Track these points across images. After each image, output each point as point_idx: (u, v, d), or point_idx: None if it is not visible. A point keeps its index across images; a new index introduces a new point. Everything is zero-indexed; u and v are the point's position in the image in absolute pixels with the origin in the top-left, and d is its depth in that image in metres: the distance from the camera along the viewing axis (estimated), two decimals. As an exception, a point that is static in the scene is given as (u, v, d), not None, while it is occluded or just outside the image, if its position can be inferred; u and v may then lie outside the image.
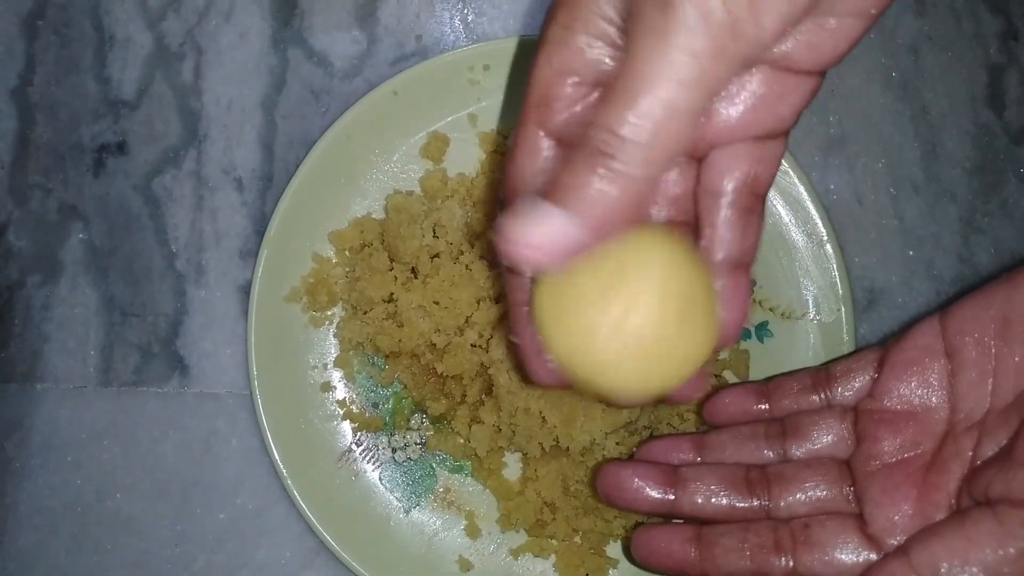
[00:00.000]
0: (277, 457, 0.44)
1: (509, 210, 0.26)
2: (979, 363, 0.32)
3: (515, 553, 0.45)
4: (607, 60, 0.27)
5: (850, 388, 0.37)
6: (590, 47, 0.27)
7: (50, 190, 0.48)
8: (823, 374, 0.38)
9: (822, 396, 0.38)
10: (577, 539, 0.44)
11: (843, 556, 0.32)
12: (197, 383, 0.47)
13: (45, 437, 0.47)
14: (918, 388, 0.34)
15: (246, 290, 0.47)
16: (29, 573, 0.46)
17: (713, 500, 0.36)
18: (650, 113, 0.23)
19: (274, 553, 0.46)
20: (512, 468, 0.46)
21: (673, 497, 0.36)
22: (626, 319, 0.27)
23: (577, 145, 0.25)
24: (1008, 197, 0.49)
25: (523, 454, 0.44)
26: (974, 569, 0.28)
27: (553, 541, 0.45)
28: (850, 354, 0.39)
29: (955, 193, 0.49)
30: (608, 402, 0.33)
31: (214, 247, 0.48)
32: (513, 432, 0.42)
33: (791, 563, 0.33)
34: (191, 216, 0.48)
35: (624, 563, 0.45)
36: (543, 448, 0.42)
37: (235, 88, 0.48)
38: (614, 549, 0.45)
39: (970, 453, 0.32)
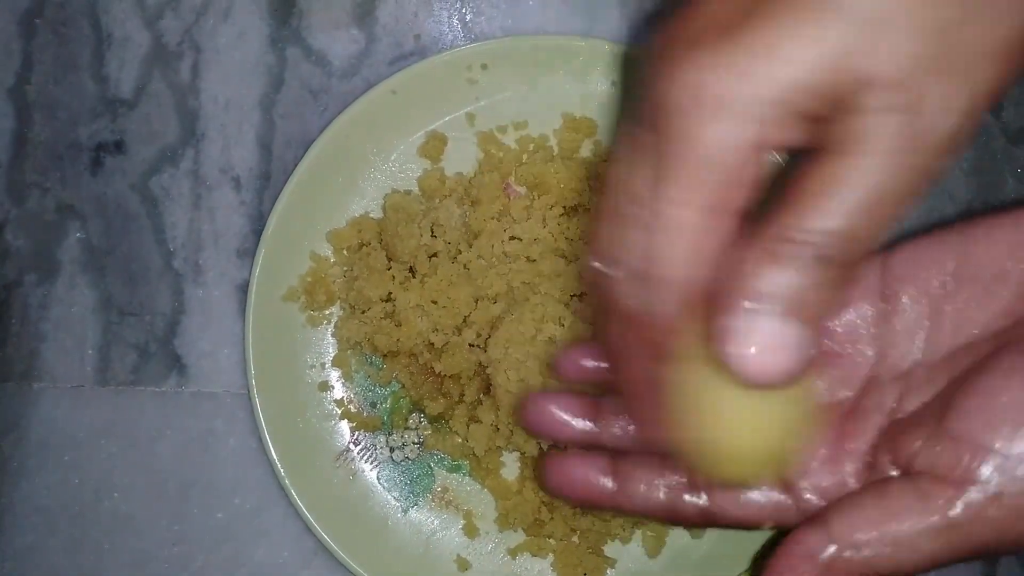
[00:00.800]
0: (275, 457, 0.44)
1: (731, 332, 0.24)
2: (914, 311, 0.31)
3: (513, 552, 0.45)
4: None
5: None
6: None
7: (47, 189, 0.48)
8: None
9: None
10: (575, 538, 0.44)
11: (754, 496, 0.31)
12: (195, 382, 0.47)
13: (42, 437, 0.47)
14: (848, 328, 0.32)
15: (244, 289, 0.47)
16: (26, 573, 0.46)
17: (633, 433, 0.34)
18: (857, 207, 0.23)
19: (272, 553, 0.46)
20: (510, 467, 0.46)
21: (594, 427, 0.35)
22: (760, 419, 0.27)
23: (776, 248, 0.24)
24: (1006, 198, 0.49)
25: (521, 453, 0.44)
26: (894, 542, 0.27)
27: (551, 540, 0.45)
28: None
29: (953, 193, 0.49)
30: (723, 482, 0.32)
31: (212, 246, 0.48)
32: (511, 431, 0.42)
33: (704, 501, 0.32)
34: (189, 215, 0.48)
35: (622, 563, 0.45)
36: (541, 447, 0.42)
37: (233, 87, 0.48)
38: (612, 548, 0.45)
39: (892, 405, 0.31)
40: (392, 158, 0.46)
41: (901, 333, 0.31)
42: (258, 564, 0.46)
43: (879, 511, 0.28)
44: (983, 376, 0.28)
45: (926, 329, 0.31)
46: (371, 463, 0.46)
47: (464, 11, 0.49)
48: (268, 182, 0.48)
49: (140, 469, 0.47)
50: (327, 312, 0.46)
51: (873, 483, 0.30)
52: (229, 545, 0.46)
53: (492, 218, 0.44)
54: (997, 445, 0.26)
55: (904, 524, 0.27)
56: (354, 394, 0.46)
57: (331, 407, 0.46)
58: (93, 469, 0.47)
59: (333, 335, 0.46)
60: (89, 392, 0.47)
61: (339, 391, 0.46)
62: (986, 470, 0.26)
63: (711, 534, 0.45)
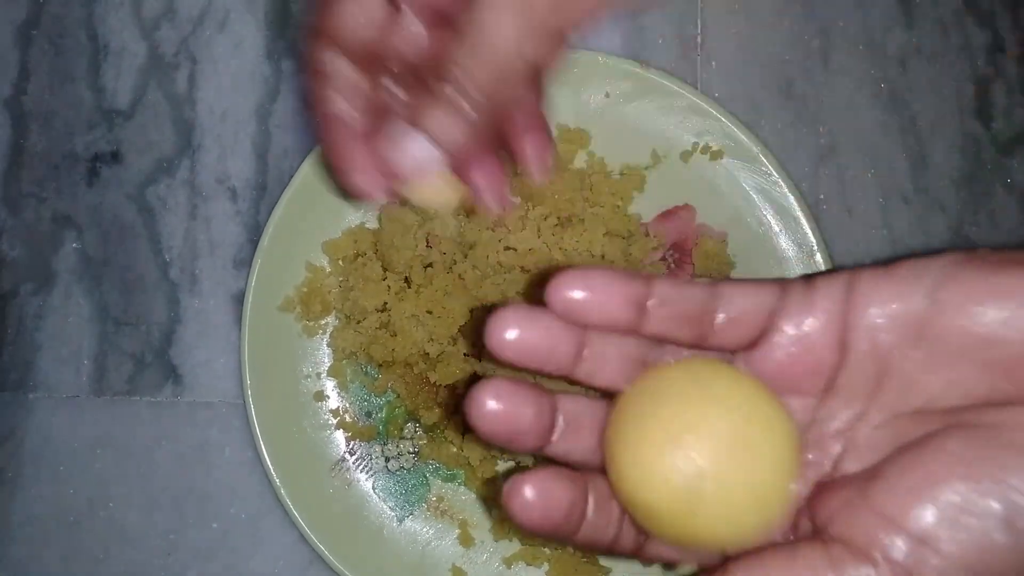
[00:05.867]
0: (270, 466, 0.44)
1: (384, 135, 0.30)
2: (864, 361, 0.27)
3: (508, 561, 0.45)
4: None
5: (734, 337, 0.28)
6: None
7: (44, 199, 0.48)
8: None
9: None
10: (570, 548, 0.45)
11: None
12: (190, 392, 0.47)
13: (37, 447, 0.47)
14: (793, 368, 0.28)
15: (240, 299, 0.47)
16: (21, 583, 0.46)
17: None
18: (485, 60, 0.29)
19: (267, 563, 0.46)
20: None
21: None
22: (703, 467, 0.26)
23: (431, 77, 0.29)
24: (996, 207, 0.50)
25: (516, 463, 0.45)
26: None
27: (546, 550, 0.45)
28: (758, 282, 0.29)
29: (944, 203, 0.50)
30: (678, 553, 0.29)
31: (208, 256, 0.48)
32: (506, 441, 0.43)
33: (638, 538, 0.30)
34: (185, 225, 0.48)
35: (617, 572, 0.45)
36: (535, 457, 0.42)
37: (229, 98, 0.49)
38: (607, 558, 0.45)
39: (829, 466, 0.27)
40: (388, 169, 0.46)
41: (847, 384, 0.27)
42: (253, 574, 0.46)
43: (783, 571, 0.25)
44: (921, 453, 0.25)
45: (873, 384, 0.27)
46: (367, 473, 0.46)
47: (459, 23, 0.49)
48: (264, 192, 0.48)
49: (136, 479, 0.47)
50: (323, 322, 0.46)
51: (784, 544, 0.27)
52: (224, 555, 0.46)
53: (487, 229, 0.44)
54: (915, 529, 0.24)
55: None
56: (349, 404, 0.46)
57: (327, 417, 0.46)
58: (88, 479, 0.47)
59: (329, 345, 0.46)
60: (85, 402, 0.47)
61: (335, 401, 0.46)
62: (898, 552, 0.24)
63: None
